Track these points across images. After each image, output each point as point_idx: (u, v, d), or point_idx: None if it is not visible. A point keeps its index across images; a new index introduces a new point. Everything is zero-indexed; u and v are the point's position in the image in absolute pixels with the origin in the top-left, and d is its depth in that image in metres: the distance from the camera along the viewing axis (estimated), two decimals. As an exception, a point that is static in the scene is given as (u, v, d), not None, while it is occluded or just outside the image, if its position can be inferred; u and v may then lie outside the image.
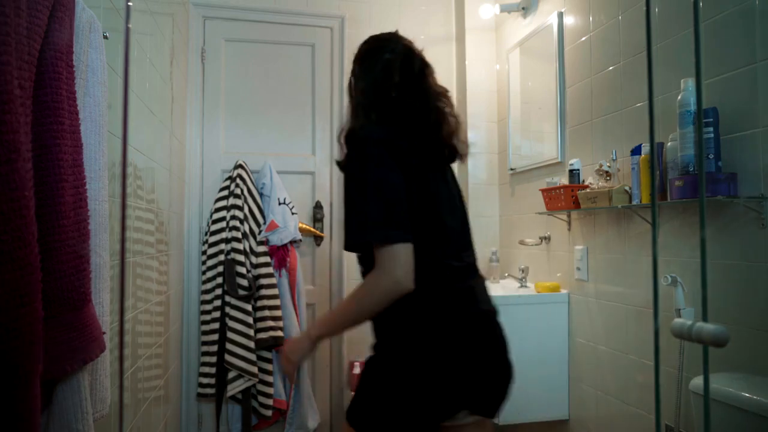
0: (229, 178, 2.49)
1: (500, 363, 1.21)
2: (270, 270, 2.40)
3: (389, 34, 1.31)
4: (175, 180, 2.27)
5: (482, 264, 2.69)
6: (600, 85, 1.91)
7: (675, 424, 1.48)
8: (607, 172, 1.78)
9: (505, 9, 2.54)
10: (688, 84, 1.43)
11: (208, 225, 2.50)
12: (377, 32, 1.53)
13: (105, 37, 1.03)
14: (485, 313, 1.19)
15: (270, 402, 2.37)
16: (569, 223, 2.10)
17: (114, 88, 1.27)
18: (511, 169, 2.58)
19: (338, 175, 2.76)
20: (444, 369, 1.10)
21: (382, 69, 1.22)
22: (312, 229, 2.63)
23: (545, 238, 2.26)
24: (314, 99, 2.75)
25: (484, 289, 1.25)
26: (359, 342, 2.73)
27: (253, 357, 2.31)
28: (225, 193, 2.46)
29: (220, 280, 2.40)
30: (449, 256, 1.18)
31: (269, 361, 2.39)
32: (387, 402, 1.11)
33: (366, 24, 2.80)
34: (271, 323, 2.35)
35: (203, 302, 2.46)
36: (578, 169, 1.96)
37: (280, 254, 2.43)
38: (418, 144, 1.16)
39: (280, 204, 2.46)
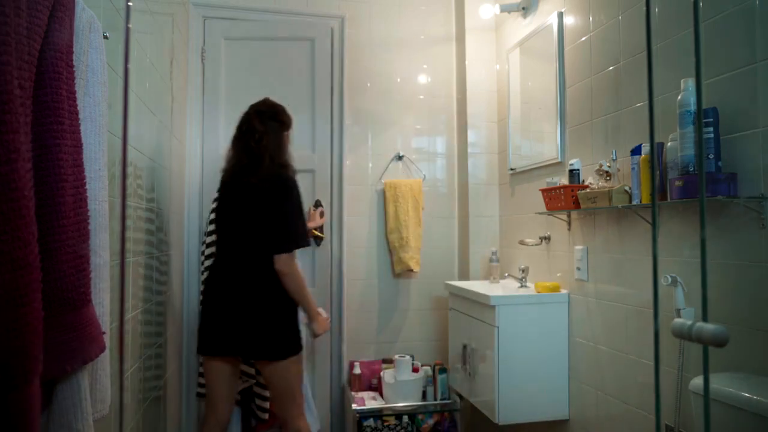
0: (229, 178, 2.49)
1: (211, 321, 1.89)
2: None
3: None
4: (175, 180, 2.27)
5: (482, 264, 2.71)
6: (600, 85, 1.91)
7: (675, 424, 1.48)
8: (607, 172, 1.78)
9: (505, 9, 2.55)
10: (688, 84, 1.43)
11: (207, 225, 2.50)
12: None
13: (105, 37, 1.03)
14: (215, 290, 1.90)
15: (267, 405, 2.37)
16: (569, 223, 2.10)
17: (114, 88, 1.27)
18: (511, 169, 2.58)
19: (338, 173, 2.76)
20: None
21: None
22: (313, 231, 2.62)
23: (545, 238, 2.26)
24: (314, 98, 2.75)
25: (229, 276, 1.89)
26: (359, 342, 2.74)
27: (253, 357, 2.30)
28: (225, 193, 2.46)
29: (220, 280, 2.39)
30: (214, 252, 2.07)
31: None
32: None
33: (366, 24, 2.80)
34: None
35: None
36: (578, 169, 1.96)
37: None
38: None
39: None
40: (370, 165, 2.81)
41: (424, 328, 2.82)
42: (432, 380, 2.58)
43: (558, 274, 2.18)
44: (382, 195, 2.79)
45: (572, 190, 1.90)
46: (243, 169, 1.88)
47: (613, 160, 1.76)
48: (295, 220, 1.87)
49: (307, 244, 1.94)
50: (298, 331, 1.93)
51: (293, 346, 1.88)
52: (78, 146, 0.84)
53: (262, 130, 1.90)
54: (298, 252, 2.56)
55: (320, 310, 2.01)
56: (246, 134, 1.91)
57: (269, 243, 1.84)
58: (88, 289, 0.84)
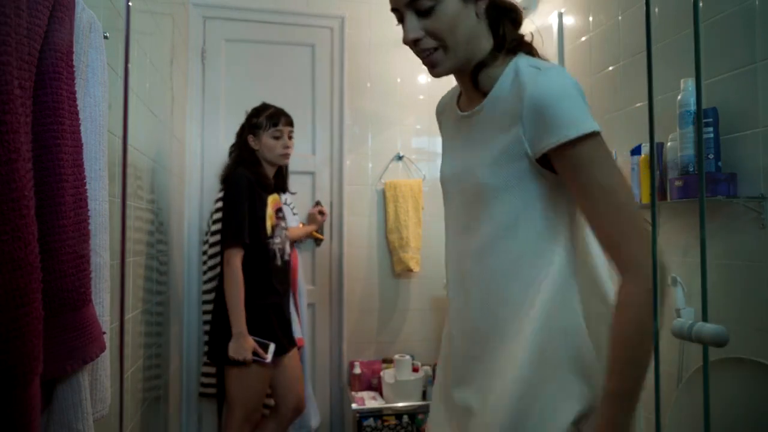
0: (229, 178, 2.49)
1: None
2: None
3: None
4: (175, 180, 2.27)
5: (482, 264, 2.70)
6: (600, 85, 1.91)
7: (675, 424, 1.48)
8: (607, 172, 1.77)
9: (505, 9, 2.54)
10: (688, 84, 1.43)
11: (208, 225, 2.50)
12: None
13: (105, 38, 1.03)
14: None
15: (271, 402, 2.38)
16: (569, 223, 2.10)
17: (114, 88, 1.27)
18: (511, 169, 2.57)
19: (338, 173, 2.76)
20: None
21: None
22: (314, 233, 2.64)
23: (545, 238, 2.26)
24: (314, 99, 2.76)
25: None
26: (359, 342, 2.74)
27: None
28: (225, 193, 2.46)
29: (220, 280, 2.39)
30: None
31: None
32: None
33: (366, 24, 2.80)
34: (271, 323, 2.35)
35: (204, 302, 2.46)
36: (578, 169, 1.96)
37: (281, 254, 2.43)
38: None
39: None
40: (370, 165, 2.81)
41: (424, 328, 2.82)
42: (432, 380, 2.58)
43: (558, 274, 2.18)
44: (382, 195, 2.79)
45: (572, 190, 1.90)
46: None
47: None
48: (228, 216, 1.92)
49: (241, 240, 1.88)
50: (261, 341, 1.91)
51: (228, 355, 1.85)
52: (78, 146, 0.84)
53: (237, 135, 2.14)
54: (298, 250, 2.56)
55: (269, 348, 1.90)
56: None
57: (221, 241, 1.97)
58: (89, 289, 0.84)
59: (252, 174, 1.98)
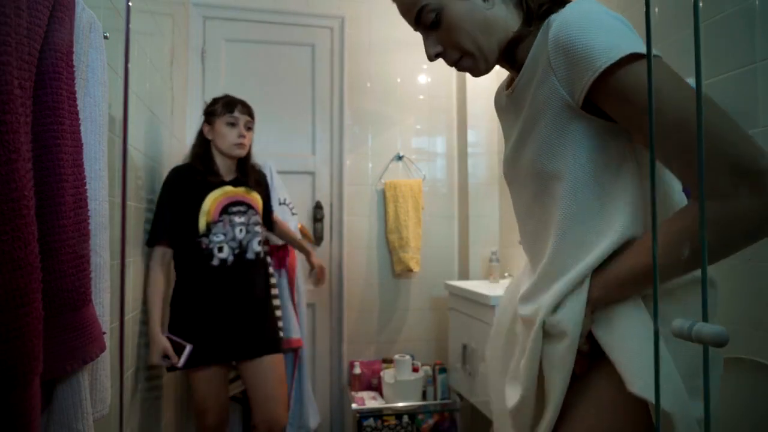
0: (229, 178, 2.49)
1: None
2: (269, 270, 2.40)
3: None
4: (175, 180, 2.26)
5: (482, 264, 2.71)
6: (600, 85, 1.91)
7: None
8: (607, 172, 1.77)
9: (505, 9, 2.54)
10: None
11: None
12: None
13: (105, 37, 1.03)
14: None
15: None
16: (569, 223, 2.10)
17: (114, 88, 1.27)
18: (511, 169, 2.57)
19: (338, 173, 2.76)
20: None
21: None
22: (308, 234, 2.64)
23: (545, 238, 2.25)
24: (314, 99, 2.76)
25: None
26: (359, 342, 2.74)
27: (253, 357, 2.30)
28: (225, 193, 2.46)
29: (220, 280, 2.39)
30: None
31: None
32: None
33: (366, 24, 2.80)
34: (271, 323, 2.35)
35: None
36: (578, 169, 1.95)
37: (279, 254, 2.43)
38: None
39: (280, 204, 2.45)
40: (370, 165, 2.81)
41: (424, 328, 2.82)
42: (432, 380, 2.58)
43: (558, 274, 2.18)
44: (382, 195, 2.79)
45: (572, 190, 1.90)
46: None
47: (613, 160, 1.76)
48: (154, 214, 1.80)
49: (152, 240, 1.77)
50: (180, 342, 1.76)
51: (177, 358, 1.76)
52: (78, 146, 0.84)
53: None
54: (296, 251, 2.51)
55: (184, 350, 1.74)
56: None
57: None
58: (89, 289, 0.84)
59: (191, 167, 1.84)
